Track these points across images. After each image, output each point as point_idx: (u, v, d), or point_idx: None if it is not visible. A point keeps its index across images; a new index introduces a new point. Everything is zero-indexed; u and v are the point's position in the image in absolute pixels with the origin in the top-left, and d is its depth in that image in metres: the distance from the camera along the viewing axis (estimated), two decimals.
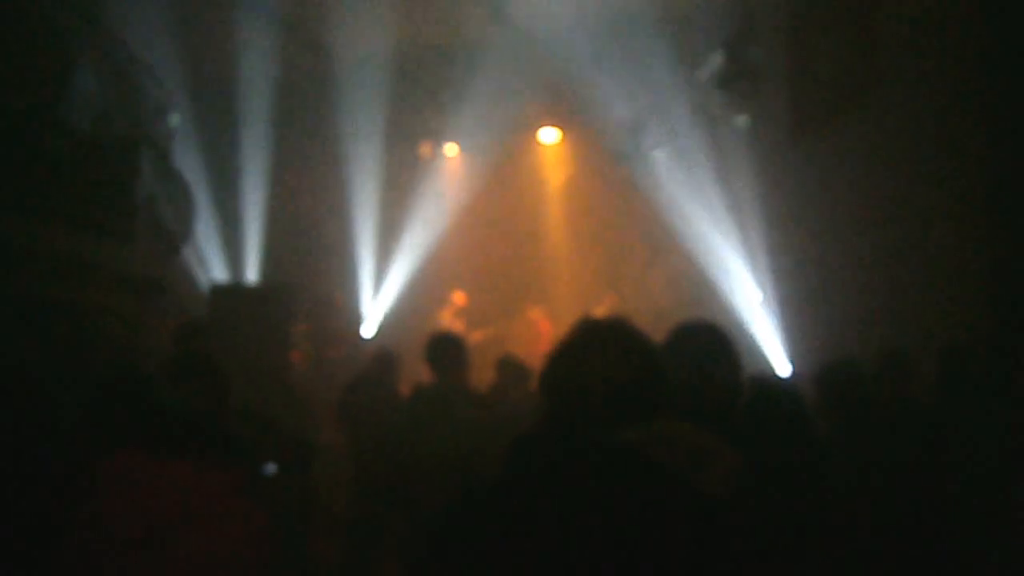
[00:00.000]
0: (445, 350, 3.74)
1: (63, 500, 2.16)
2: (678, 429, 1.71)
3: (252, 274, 10.30)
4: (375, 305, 11.08)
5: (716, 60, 7.93)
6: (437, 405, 3.45)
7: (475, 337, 9.83)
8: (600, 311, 9.87)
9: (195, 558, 2.02)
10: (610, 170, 9.73)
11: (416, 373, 8.13)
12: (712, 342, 2.60)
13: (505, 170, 10.97)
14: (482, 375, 6.29)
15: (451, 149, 10.88)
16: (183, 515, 2.08)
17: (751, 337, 8.63)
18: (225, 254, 10.19)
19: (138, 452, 2.17)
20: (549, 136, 10.18)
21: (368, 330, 10.85)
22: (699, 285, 9.76)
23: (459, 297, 10.48)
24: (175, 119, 7.52)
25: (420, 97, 9.73)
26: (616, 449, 1.56)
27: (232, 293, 8.43)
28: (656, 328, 2.35)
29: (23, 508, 2.19)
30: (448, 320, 10.29)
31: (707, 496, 1.58)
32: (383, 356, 6.59)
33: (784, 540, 2.30)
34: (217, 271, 9.99)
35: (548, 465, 1.56)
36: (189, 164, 8.39)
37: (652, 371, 1.72)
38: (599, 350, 1.69)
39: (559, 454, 1.57)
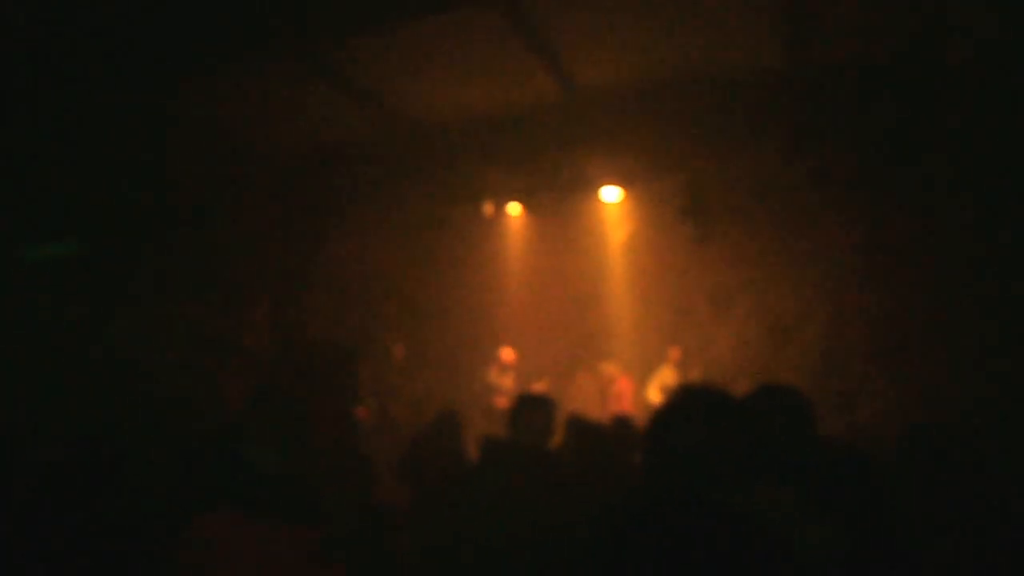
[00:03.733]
0: (528, 413, 3.67)
1: (157, 562, 2.22)
2: (779, 493, 1.75)
3: (317, 331, 10.45)
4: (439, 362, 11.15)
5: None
6: (508, 459, 3.40)
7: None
8: (667, 369, 9.79)
9: None
10: (673, 227, 9.72)
11: (474, 431, 8.14)
12: (790, 405, 2.64)
13: (568, 228, 11.08)
14: None
15: (514, 208, 11.01)
16: None
17: (816, 394, 8.46)
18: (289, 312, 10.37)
19: (226, 513, 2.22)
20: (611, 194, 10.22)
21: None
22: (763, 341, 9.63)
23: (507, 354, 10.47)
24: None
25: (484, 157, 9.87)
26: (729, 513, 1.58)
27: (300, 350, 8.59)
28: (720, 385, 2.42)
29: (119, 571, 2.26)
30: (495, 377, 10.28)
31: (811, 559, 1.59)
32: (445, 415, 6.63)
33: None
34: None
35: (659, 526, 1.58)
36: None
37: (749, 436, 1.78)
38: (702, 416, 1.75)
39: (671, 517, 1.60)
